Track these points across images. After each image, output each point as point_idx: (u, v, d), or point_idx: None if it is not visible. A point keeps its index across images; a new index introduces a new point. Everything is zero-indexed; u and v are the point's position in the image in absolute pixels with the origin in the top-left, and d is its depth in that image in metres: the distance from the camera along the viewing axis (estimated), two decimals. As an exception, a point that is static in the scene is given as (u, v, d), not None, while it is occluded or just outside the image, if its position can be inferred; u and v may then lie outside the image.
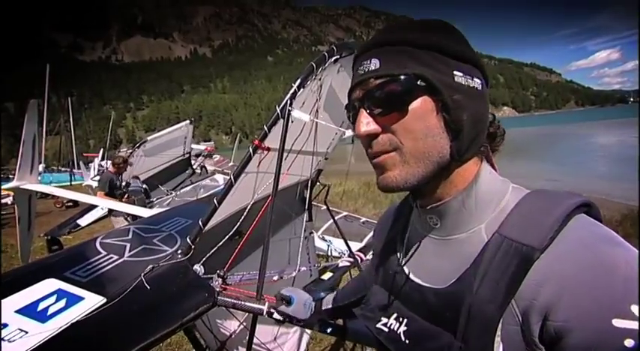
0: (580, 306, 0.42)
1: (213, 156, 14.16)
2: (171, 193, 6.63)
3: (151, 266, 1.24)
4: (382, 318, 0.65)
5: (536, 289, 0.45)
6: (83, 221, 6.14)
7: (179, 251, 1.38)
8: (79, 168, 19.40)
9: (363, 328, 1.10)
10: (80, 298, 1.05)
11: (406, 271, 0.63)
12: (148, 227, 1.76)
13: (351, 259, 2.30)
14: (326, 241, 3.99)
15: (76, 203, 10.71)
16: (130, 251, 1.45)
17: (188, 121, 7.32)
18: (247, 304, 1.22)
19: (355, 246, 3.40)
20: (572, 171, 14.04)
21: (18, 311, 0.97)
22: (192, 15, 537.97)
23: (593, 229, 0.47)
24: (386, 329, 0.63)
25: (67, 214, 8.17)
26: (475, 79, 0.53)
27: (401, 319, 0.61)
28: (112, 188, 5.21)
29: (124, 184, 5.52)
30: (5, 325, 0.91)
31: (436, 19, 0.56)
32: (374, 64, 0.52)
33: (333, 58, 1.53)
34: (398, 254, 0.67)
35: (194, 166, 8.88)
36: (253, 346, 1.44)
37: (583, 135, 34.42)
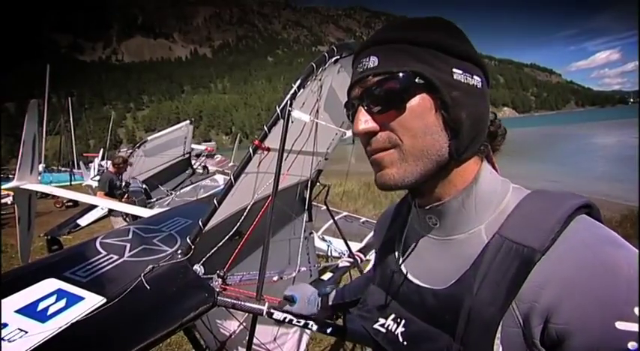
0: (582, 308, 0.41)
1: (215, 156, 14.19)
2: (171, 194, 6.62)
3: (151, 266, 1.25)
4: (379, 318, 0.64)
5: (538, 291, 0.44)
6: (83, 221, 6.14)
7: (179, 251, 1.38)
8: (79, 168, 19.40)
9: (363, 328, 1.10)
10: (80, 298, 1.05)
11: (404, 271, 0.62)
12: (148, 227, 1.76)
13: (351, 260, 2.30)
14: (326, 241, 3.99)
15: (75, 203, 10.71)
16: (130, 251, 1.45)
17: (188, 122, 7.32)
18: (247, 304, 1.22)
19: (355, 246, 3.39)
20: (572, 171, 14.03)
21: (18, 311, 0.97)
22: (192, 15, 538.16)
23: (595, 230, 0.47)
24: (383, 330, 0.62)
25: (67, 214, 8.16)
26: (475, 77, 0.52)
27: (399, 320, 0.60)
28: (111, 188, 5.21)
29: (123, 184, 5.52)
30: (5, 325, 0.91)
31: (436, 17, 0.55)
32: (373, 61, 0.52)
33: (334, 59, 1.53)
34: (396, 254, 0.67)
35: (196, 166, 8.88)
36: (253, 346, 1.44)
37: (583, 135, 34.41)
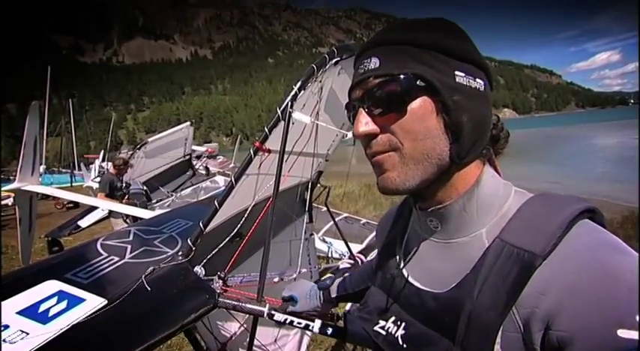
0: (584, 315, 0.41)
1: (217, 157, 14.21)
2: (171, 195, 6.62)
3: (151, 268, 1.25)
4: (380, 321, 0.64)
5: (538, 297, 0.44)
6: (84, 223, 6.14)
7: (180, 253, 1.38)
8: (79, 169, 19.42)
9: (363, 330, 1.10)
10: (81, 300, 1.05)
11: (405, 274, 0.62)
12: (149, 229, 1.76)
13: (352, 261, 2.30)
14: (326, 242, 3.99)
15: (76, 204, 10.72)
16: (130, 253, 1.45)
17: (189, 123, 7.32)
18: (248, 305, 1.22)
19: (356, 248, 3.40)
20: (572, 173, 14.02)
21: (19, 312, 0.97)
22: (193, 17, 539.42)
23: (597, 235, 0.46)
24: (383, 332, 0.62)
25: (68, 215, 8.17)
26: (477, 80, 0.51)
27: (399, 323, 0.60)
28: (112, 190, 5.22)
29: (124, 185, 5.52)
30: (6, 327, 0.91)
31: (438, 17, 0.54)
32: (374, 63, 0.51)
33: (334, 60, 1.53)
34: (397, 257, 0.66)
35: (198, 168, 8.89)
36: (254, 348, 1.44)
37: (583, 136, 34.40)
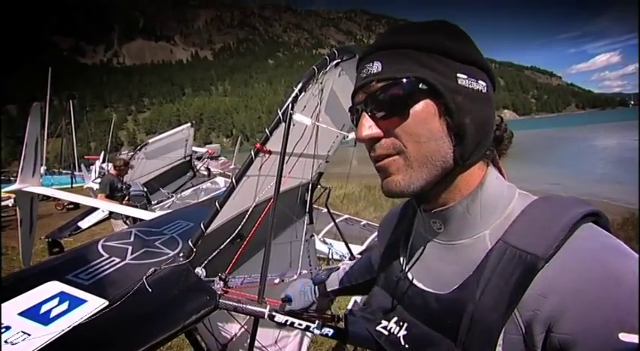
0: (586, 319, 0.41)
1: (219, 158, 14.23)
2: (172, 196, 6.63)
3: (152, 269, 1.25)
4: (382, 321, 0.64)
5: (540, 299, 0.44)
6: (84, 224, 6.15)
7: (181, 254, 1.38)
8: (80, 170, 19.44)
9: (365, 331, 1.10)
10: (83, 301, 1.06)
11: (409, 275, 0.62)
12: (150, 230, 1.76)
13: (353, 262, 2.30)
14: (327, 243, 3.99)
15: (76, 206, 10.72)
16: (131, 254, 1.45)
17: (189, 124, 7.33)
18: (249, 307, 1.22)
19: (356, 249, 3.40)
20: (573, 174, 14.02)
21: (21, 314, 0.98)
22: (193, 18, 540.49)
23: (600, 239, 0.46)
24: (386, 332, 0.63)
25: (68, 216, 8.18)
26: (480, 82, 0.52)
27: (401, 323, 0.61)
28: (112, 191, 5.21)
29: (124, 186, 5.52)
30: (8, 328, 0.91)
31: (440, 20, 0.55)
32: (376, 67, 0.52)
33: (335, 62, 1.54)
34: (401, 258, 0.67)
35: (200, 169, 8.90)
36: (254, 349, 1.44)
37: (584, 138, 34.38)
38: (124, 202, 5.23)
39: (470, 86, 0.50)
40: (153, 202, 6.24)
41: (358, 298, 2.51)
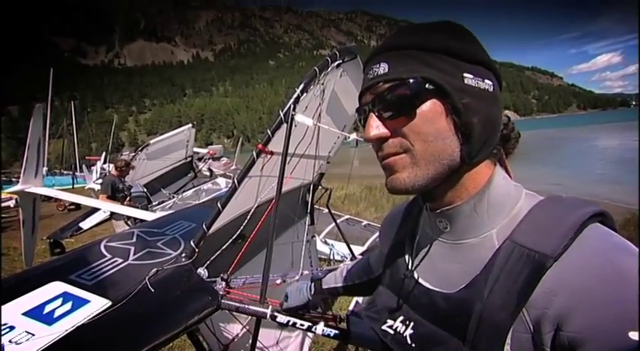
0: (595, 317, 0.41)
1: (221, 158, 14.22)
2: (173, 197, 6.64)
3: (155, 270, 1.25)
4: (388, 320, 0.64)
5: (549, 298, 0.44)
6: (85, 224, 6.17)
7: (183, 254, 1.39)
8: (81, 171, 19.48)
9: (367, 331, 1.10)
10: (86, 301, 1.06)
11: (414, 274, 0.62)
12: (152, 231, 1.77)
13: (355, 261, 2.30)
14: (328, 244, 4.00)
15: (78, 206, 10.75)
16: (134, 254, 1.46)
17: (190, 125, 7.34)
18: (251, 307, 1.22)
19: (357, 249, 3.40)
20: (574, 174, 13.99)
21: (25, 314, 0.98)
22: (194, 19, 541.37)
23: (608, 238, 0.47)
24: (391, 331, 0.63)
25: (70, 217, 8.19)
26: (486, 81, 0.52)
27: (407, 322, 0.61)
28: (114, 191, 5.22)
29: (126, 187, 5.53)
30: (12, 328, 0.92)
31: (445, 21, 0.55)
32: (383, 68, 0.52)
33: (336, 63, 1.54)
34: (406, 256, 0.67)
35: (203, 169, 8.91)
36: (256, 349, 1.45)
37: (585, 138, 34.31)
38: (125, 202, 5.24)
39: (476, 85, 0.51)
40: (154, 203, 6.25)
41: (360, 299, 2.52)
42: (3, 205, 9.59)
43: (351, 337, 1.16)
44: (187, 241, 1.49)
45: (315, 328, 1.15)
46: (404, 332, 0.60)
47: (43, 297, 1.06)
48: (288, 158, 1.49)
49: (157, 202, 6.34)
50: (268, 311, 1.19)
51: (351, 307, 2.54)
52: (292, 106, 1.39)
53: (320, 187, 2.53)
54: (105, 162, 16.22)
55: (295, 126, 1.44)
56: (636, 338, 0.38)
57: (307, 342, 2.20)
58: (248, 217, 1.56)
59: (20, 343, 0.87)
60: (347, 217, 5.18)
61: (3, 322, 0.92)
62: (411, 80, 0.49)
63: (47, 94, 20.59)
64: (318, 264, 2.88)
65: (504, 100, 0.58)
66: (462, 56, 0.51)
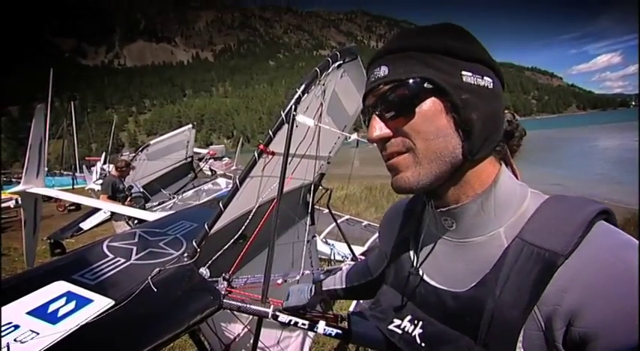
0: (606, 312, 0.42)
1: (223, 159, 14.20)
2: (173, 197, 6.64)
3: (157, 269, 1.26)
4: (395, 319, 0.64)
5: (560, 294, 0.45)
6: (86, 225, 6.16)
7: (185, 254, 1.39)
8: (81, 172, 19.47)
9: (369, 330, 1.11)
10: (89, 301, 1.07)
11: (420, 272, 0.63)
12: (154, 231, 1.78)
13: (354, 263, 2.31)
14: (329, 244, 4.00)
15: (78, 207, 10.74)
16: (136, 254, 1.47)
17: (190, 126, 7.34)
18: (253, 306, 1.23)
19: (357, 250, 3.41)
20: (574, 175, 14.01)
21: (29, 313, 0.99)
22: (194, 20, 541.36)
23: (617, 236, 0.48)
24: (399, 331, 0.62)
25: (70, 217, 8.20)
26: (486, 78, 0.53)
27: (416, 322, 0.61)
28: (114, 192, 5.23)
29: (126, 187, 5.54)
30: (17, 327, 0.93)
31: (444, 22, 0.56)
32: (383, 71, 0.54)
33: (337, 64, 1.55)
34: (411, 255, 0.67)
35: (204, 169, 8.90)
36: (257, 349, 1.45)
37: (585, 138, 34.32)
38: (126, 203, 5.25)
39: (475, 83, 0.52)
40: (155, 203, 6.25)
41: (360, 299, 2.52)
42: (3, 205, 9.60)
43: (352, 337, 1.17)
44: (189, 241, 1.50)
45: (317, 328, 1.16)
46: (412, 332, 0.60)
47: (46, 296, 1.07)
48: (289, 158, 1.50)
49: (157, 203, 6.35)
50: (270, 310, 1.20)
51: (352, 307, 2.54)
52: (294, 107, 1.39)
53: (320, 187, 2.54)
54: (105, 162, 16.23)
55: (296, 126, 1.45)
56: None
57: (308, 342, 2.20)
58: (249, 217, 1.56)
59: (25, 342, 0.88)
60: (347, 217, 5.18)
61: (8, 321, 0.93)
62: (411, 80, 0.51)
63: (47, 94, 20.57)
64: (319, 264, 2.88)
65: (504, 101, 0.58)
66: (459, 55, 0.52)
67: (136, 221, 4.65)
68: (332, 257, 3.87)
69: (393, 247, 0.72)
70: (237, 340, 1.74)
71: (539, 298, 0.46)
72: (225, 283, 1.34)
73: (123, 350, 0.98)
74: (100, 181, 7.77)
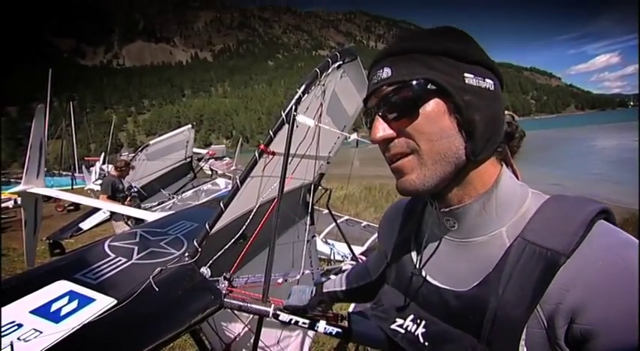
0: (608, 309, 0.43)
1: (224, 158, 14.20)
2: (172, 197, 6.64)
3: (159, 269, 1.27)
4: (397, 319, 0.64)
5: (563, 293, 0.46)
6: (85, 225, 6.16)
7: (186, 254, 1.40)
8: (80, 172, 19.43)
9: (369, 329, 1.12)
10: (91, 300, 1.08)
11: (423, 273, 0.63)
12: (155, 230, 1.78)
13: (354, 263, 2.32)
14: (329, 244, 4.01)
15: (77, 207, 10.72)
16: (137, 254, 1.47)
17: (190, 126, 7.34)
18: (253, 306, 1.24)
19: (357, 250, 3.42)
20: (572, 175, 14.04)
21: (32, 311, 1.00)
22: (193, 20, 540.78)
23: (617, 234, 0.48)
24: (402, 330, 0.63)
25: (69, 217, 8.19)
26: (487, 80, 0.54)
27: (418, 321, 0.61)
28: (114, 192, 5.23)
29: (125, 187, 5.53)
30: (20, 325, 0.93)
31: (445, 25, 0.57)
32: (386, 72, 0.54)
33: (337, 64, 1.56)
34: (413, 255, 0.67)
35: (205, 169, 8.89)
36: (257, 349, 1.46)
37: (583, 138, 34.36)
38: (125, 202, 5.25)
39: (477, 84, 0.52)
40: (154, 203, 6.25)
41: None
42: (3, 205, 9.58)
43: (352, 335, 1.17)
44: (190, 240, 1.51)
45: (317, 327, 1.17)
46: (415, 331, 0.61)
47: (49, 295, 1.08)
48: (290, 158, 1.51)
49: (156, 203, 6.34)
50: (271, 310, 1.21)
51: (351, 307, 2.55)
52: (294, 107, 1.40)
53: (320, 187, 2.54)
54: (104, 162, 16.20)
55: (297, 127, 1.46)
56: None
57: (307, 341, 2.21)
58: (250, 217, 1.57)
59: (28, 341, 0.88)
60: (346, 217, 5.19)
61: (11, 320, 0.94)
62: (414, 82, 0.51)
63: (46, 94, 20.53)
64: (319, 264, 2.89)
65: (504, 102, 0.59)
66: (461, 57, 0.53)
67: (133, 221, 4.65)
68: (332, 257, 3.88)
69: (393, 247, 0.73)
70: (237, 339, 1.74)
71: (541, 297, 0.47)
72: (226, 282, 1.34)
73: (125, 349, 0.99)
74: (99, 182, 7.76)
